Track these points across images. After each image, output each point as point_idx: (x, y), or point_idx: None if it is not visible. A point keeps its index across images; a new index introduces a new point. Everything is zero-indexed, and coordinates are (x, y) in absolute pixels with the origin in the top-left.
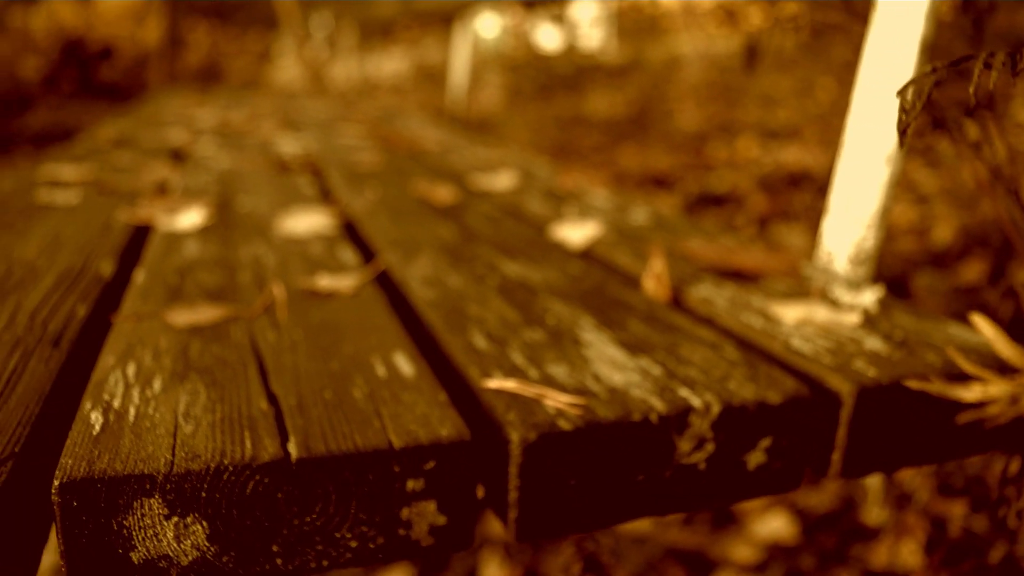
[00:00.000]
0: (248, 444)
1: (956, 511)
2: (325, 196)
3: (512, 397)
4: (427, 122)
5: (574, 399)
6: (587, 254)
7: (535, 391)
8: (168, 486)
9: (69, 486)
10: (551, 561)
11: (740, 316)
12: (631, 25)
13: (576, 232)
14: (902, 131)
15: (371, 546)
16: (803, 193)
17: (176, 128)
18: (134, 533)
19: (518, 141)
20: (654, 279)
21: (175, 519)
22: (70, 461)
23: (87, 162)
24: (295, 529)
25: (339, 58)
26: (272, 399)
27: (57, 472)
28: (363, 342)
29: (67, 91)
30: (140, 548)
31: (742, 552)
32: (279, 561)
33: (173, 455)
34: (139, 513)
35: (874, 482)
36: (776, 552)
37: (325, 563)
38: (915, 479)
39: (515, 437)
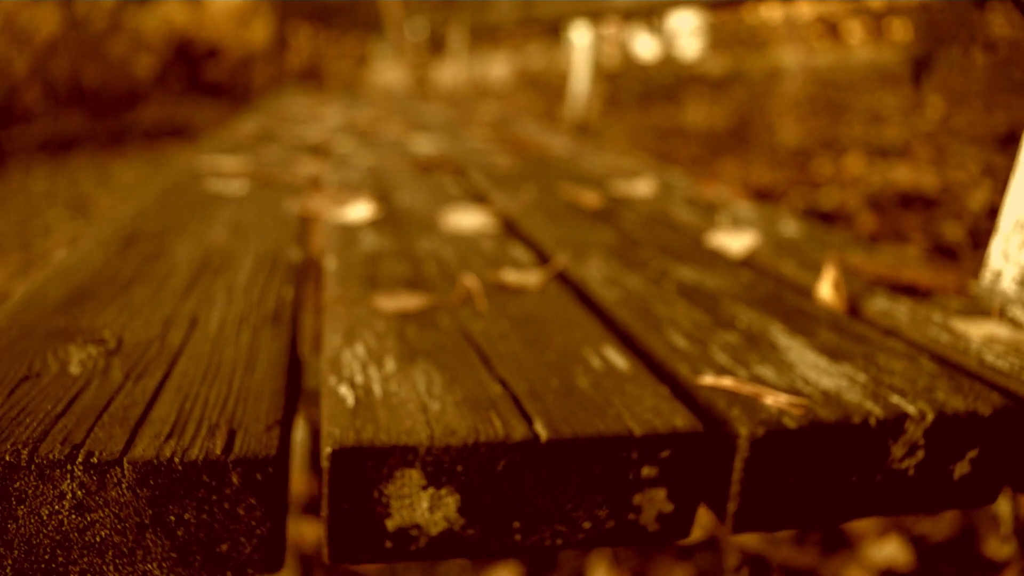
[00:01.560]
0: (498, 424)
1: None
2: (473, 196)
3: (731, 394)
4: (545, 128)
5: (795, 399)
6: (748, 263)
7: (752, 389)
8: (429, 458)
9: (340, 453)
10: (660, 569)
11: (925, 330)
12: (729, 36)
13: (735, 241)
14: None
15: (602, 528)
16: (915, 214)
17: (309, 126)
18: (392, 501)
19: (616, 150)
20: (832, 290)
21: (431, 490)
22: (337, 431)
23: (238, 155)
24: (536, 507)
25: (441, 62)
26: (503, 384)
27: (327, 439)
28: (569, 335)
29: (176, 89)
30: (396, 516)
31: None
32: (518, 537)
33: (431, 430)
34: (399, 482)
35: (1004, 512)
36: None
37: (559, 542)
38: None
39: (744, 432)
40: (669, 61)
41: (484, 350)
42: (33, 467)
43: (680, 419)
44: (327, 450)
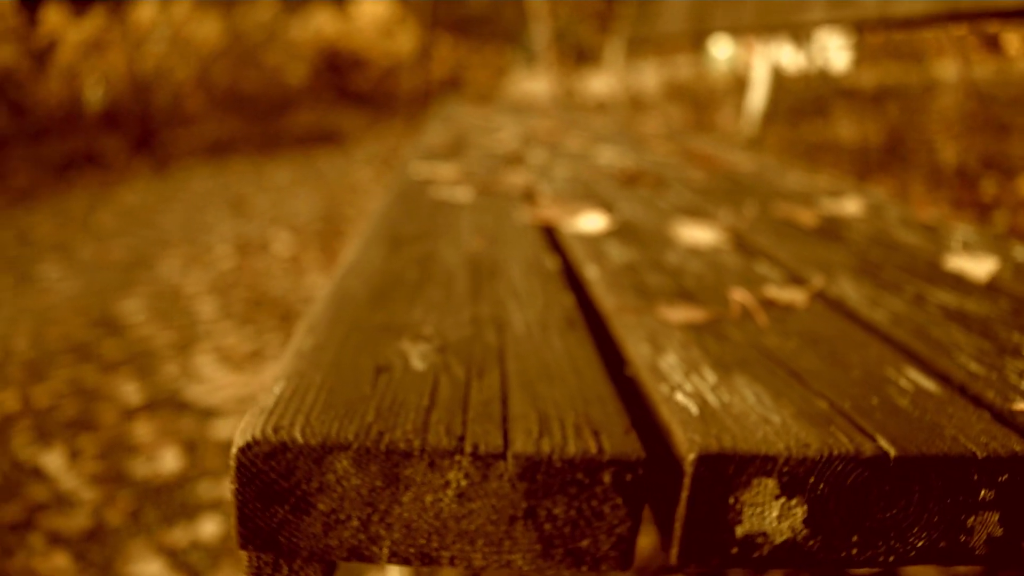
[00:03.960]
0: (843, 439)
1: None
2: (683, 209)
3: None
4: (717, 142)
5: None
6: (996, 288)
7: None
8: (785, 468)
9: (704, 459)
10: None
11: None
12: (879, 49)
13: (977, 265)
14: None
15: (934, 547)
16: None
17: (491, 136)
18: (745, 508)
19: (801, 167)
20: None
21: (783, 499)
22: (698, 437)
23: (447, 163)
24: (876, 523)
25: (586, 72)
26: (828, 400)
27: (688, 445)
28: (863, 355)
29: (324, 97)
30: (745, 523)
31: None
32: (854, 551)
33: (784, 441)
34: (755, 490)
35: None
36: None
37: (892, 558)
38: None
39: None
40: (816, 75)
41: (790, 365)
42: (424, 456)
43: (1017, 444)
44: (691, 456)
